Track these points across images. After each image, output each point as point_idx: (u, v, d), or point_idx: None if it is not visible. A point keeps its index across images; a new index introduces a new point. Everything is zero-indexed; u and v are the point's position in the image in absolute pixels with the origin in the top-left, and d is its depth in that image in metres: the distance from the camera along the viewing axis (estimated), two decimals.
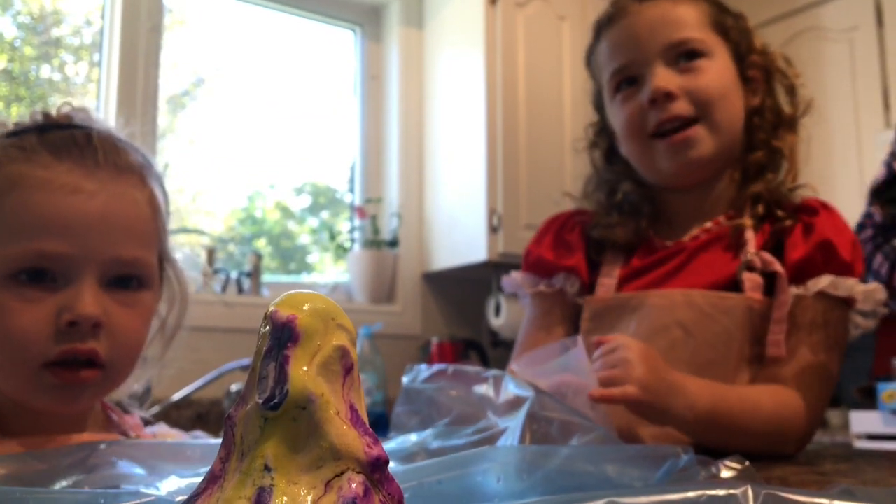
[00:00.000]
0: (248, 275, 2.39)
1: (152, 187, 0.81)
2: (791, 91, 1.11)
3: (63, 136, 0.77)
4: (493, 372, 0.70)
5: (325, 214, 2.89)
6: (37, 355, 0.71)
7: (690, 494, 0.46)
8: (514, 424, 0.62)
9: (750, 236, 1.06)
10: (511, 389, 0.67)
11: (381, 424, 2.28)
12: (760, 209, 1.07)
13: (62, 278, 0.72)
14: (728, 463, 0.61)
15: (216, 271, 2.33)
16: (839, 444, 2.12)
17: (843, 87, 2.62)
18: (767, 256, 1.02)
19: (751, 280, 1.02)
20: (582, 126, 1.25)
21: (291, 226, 2.86)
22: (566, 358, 0.88)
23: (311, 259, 2.86)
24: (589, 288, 1.12)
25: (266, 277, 2.48)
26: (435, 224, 2.61)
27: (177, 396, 2.04)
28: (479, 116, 2.45)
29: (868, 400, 1.97)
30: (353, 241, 2.63)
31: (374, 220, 2.56)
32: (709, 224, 1.10)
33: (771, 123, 1.09)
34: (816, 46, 2.69)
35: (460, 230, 2.50)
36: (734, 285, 1.03)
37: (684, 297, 1.03)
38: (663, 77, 1.04)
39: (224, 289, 2.33)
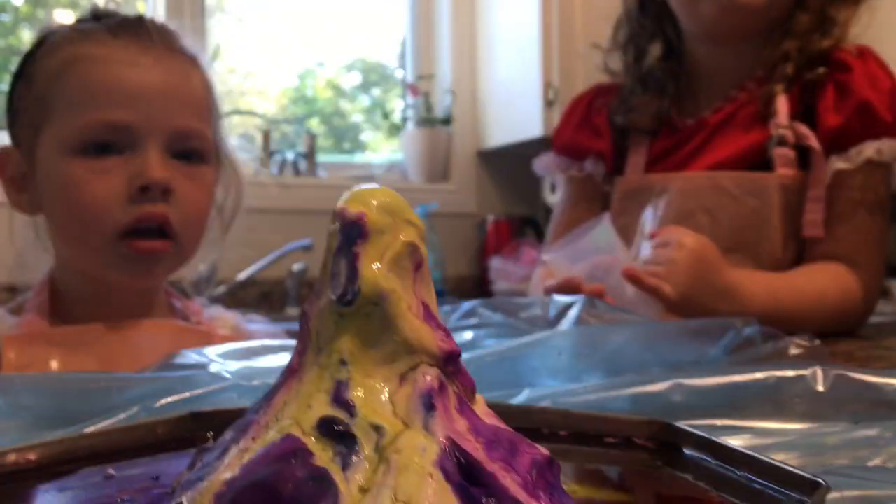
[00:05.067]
0: (304, 156, 2.39)
1: (204, 70, 0.83)
2: None
3: (117, 19, 0.80)
4: (533, 297, 0.70)
5: (376, 91, 2.86)
6: (111, 223, 0.74)
7: (758, 375, 0.47)
8: (565, 326, 0.63)
9: (781, 105, 0.98)
10: (560, 301, 0.67)
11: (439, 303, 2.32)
12: (790, 69, 0.99)
13: (128, 148, 0.75)
14: (797, 341, 0.61)
15: (272, 153, 2.34)
16: None
17: None
18: (802, 129, 0.95)
19: (782, 156, 0.96)
20: None
21: (343, 104, 2.85)
22: (594, 235, 0.87)
23: (364, 137, 2.85)
24: (617, 171, 1.11)
25: (321, 157, 2.49)
26: (489, 100, 2.56)
27: (242, 276, 2.10)
28: None
29: None
30: (405, 119, 2.60)
31: (426, 98, 2.52)
32: (734, 92, 1.04)
33: None
34: None
35: (515, 105, 2.45)
36: (763, 160, 0.99)
37: (709, 180, 0.98)
38: None
39: (281, 170, 2.35)
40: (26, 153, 0.79)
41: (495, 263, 2.23)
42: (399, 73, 2.77)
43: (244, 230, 0.94)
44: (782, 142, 0.97)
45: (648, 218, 0.91)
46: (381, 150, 2.77)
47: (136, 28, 0.79)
